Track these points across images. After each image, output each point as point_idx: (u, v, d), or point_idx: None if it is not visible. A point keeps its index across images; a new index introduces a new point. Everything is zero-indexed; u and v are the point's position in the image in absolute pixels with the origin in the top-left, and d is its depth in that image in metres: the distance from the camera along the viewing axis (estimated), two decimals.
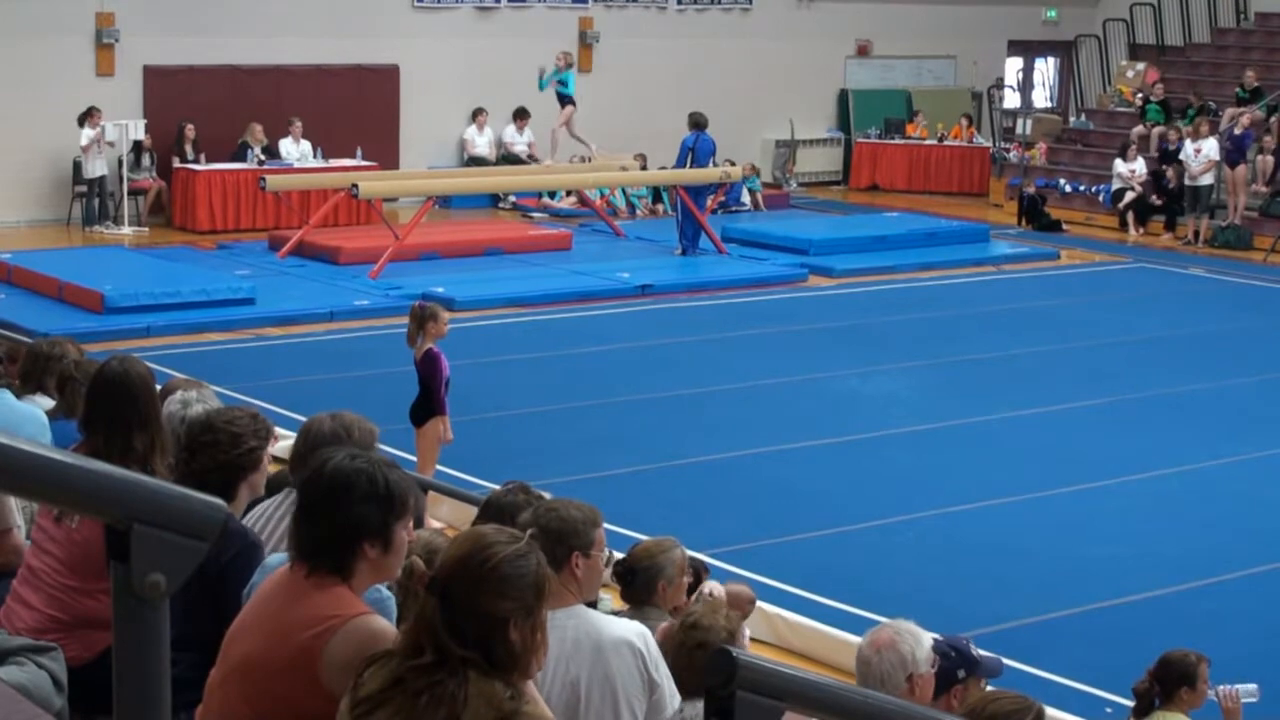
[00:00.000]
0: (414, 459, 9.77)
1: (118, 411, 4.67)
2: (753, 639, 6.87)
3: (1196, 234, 22.58)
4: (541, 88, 22.73)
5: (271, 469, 4.96)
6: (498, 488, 5.15)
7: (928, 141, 27.10)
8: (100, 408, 4.73)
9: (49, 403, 6.30)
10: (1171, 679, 6.08)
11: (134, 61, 21.20)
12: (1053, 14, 29.20)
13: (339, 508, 3.41)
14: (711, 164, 20.47)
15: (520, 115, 24.09)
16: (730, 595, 6.77)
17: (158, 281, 15.91)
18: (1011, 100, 28.61)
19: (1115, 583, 9.29)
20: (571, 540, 4.21)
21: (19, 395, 6.26)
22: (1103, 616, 8.80)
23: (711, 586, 6.37)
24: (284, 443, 10.54)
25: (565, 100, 22.94)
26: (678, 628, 4.65)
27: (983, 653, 4.72)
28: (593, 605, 4.58)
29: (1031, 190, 24.00)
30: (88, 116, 19.92)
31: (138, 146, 20.85)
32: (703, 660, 4.78)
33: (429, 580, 3.06)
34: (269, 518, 4.80)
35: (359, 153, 21.79)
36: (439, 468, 10.04)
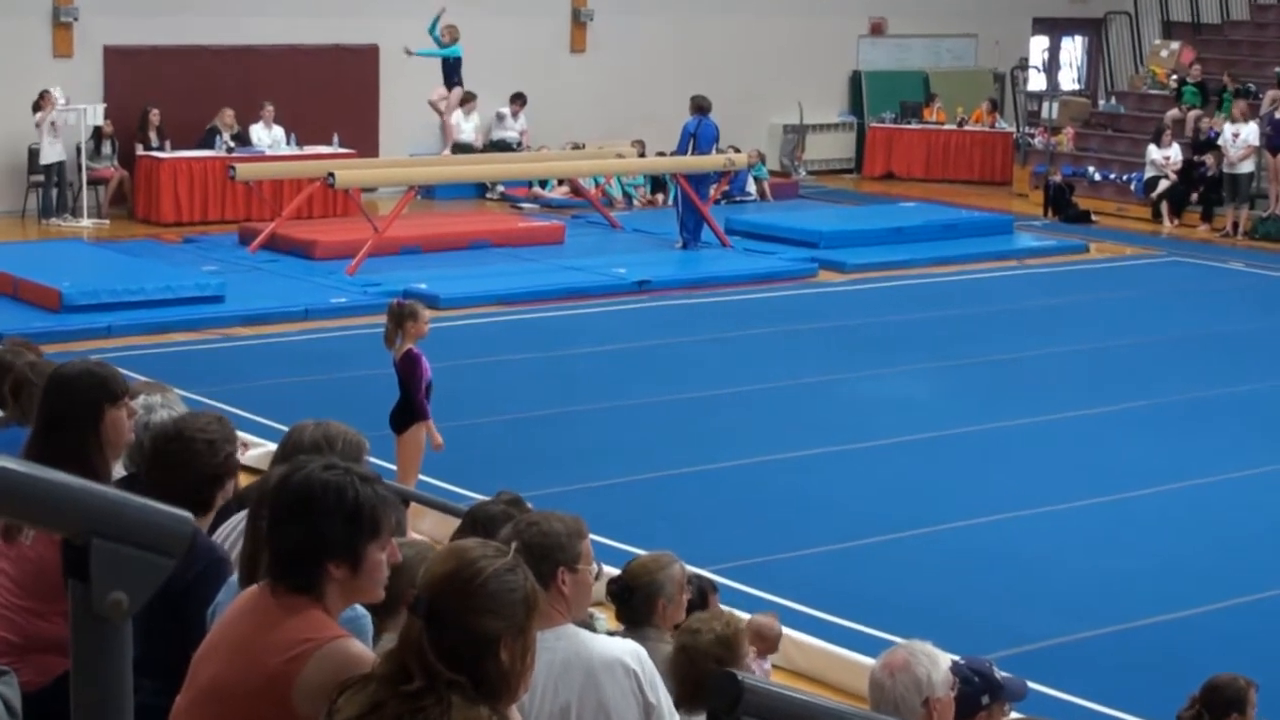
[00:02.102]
0: (394, 468, 9.76)
1: (61, 412, 4.67)
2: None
3: (1235, 225, 22.58)
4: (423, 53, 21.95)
5: (242, 480, 4.96)
6: (485, 499, 5.15)
7: (946, 126, 27.09)
8: (44, 409, 4.73)
9: None
10: (1220, 705, 5.98)
11: (94, 42, 21.19)
12: None
13: (301, 522, 3.39)
14: (714, 151, 20.47)
15: (516, 100, 24.08)
16: (754, 627, 6.76)
17: (119, 278, 15.90)
18: (1036, 82, 28.63)
19: (1150, 599, 9.29)
20: (556, 555, 4.21)
21: None
22: (1137, 636, 8.80)
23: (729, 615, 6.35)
24: (255, 451, 10.59)
25: (452, 75, 22.22)
26: (677, 633, 4.66)
27: (1007, 675, 4.72)
28: (588, 626, 4.58)
29: (1058, 179, 24.01)
30: (41, 100, 19.91)
31: (98, 133, 20.84)
32: (691, 667, 4.79)
33: (413, 600, 3.06)
34: (241, 532, 4.79)
35: (335, 139, 21.79)
36: (422, 477, 10.04)
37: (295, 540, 3.38)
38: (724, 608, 5.96)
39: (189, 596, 4.14)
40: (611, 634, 5.09)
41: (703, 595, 6.08)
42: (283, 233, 18.74)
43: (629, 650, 4.27)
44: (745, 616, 6.45)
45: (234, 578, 4.02)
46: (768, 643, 7.10)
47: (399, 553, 3.52)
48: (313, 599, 3.39)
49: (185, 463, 4.51)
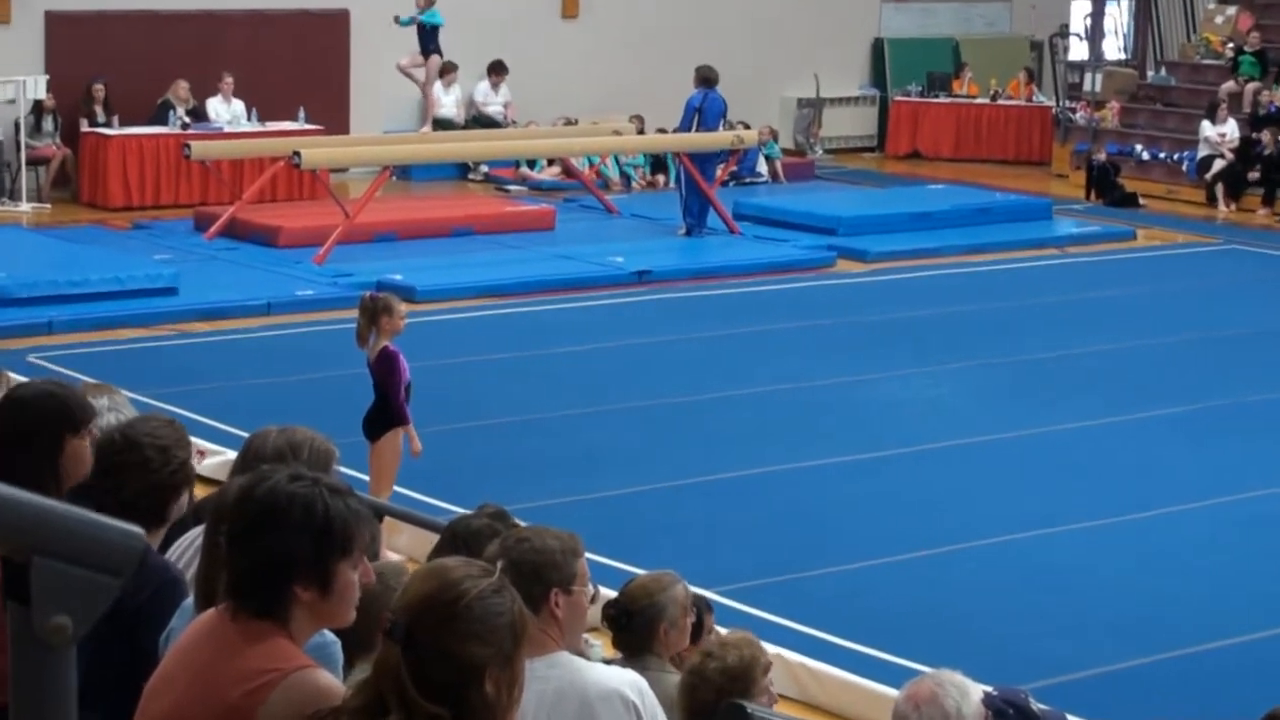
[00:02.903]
0: (367, 479, 9.77)
1: (15, 441, 4.64)
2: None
3: None
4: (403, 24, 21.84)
5: (199, 491, 4.97)
6: (467, 513, 5.16)
7: (978, 100, 27.09)
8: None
9: None
10: None
11: (33, 6, 21.19)
12: None
13: (265, 538, 3.38)
14: (722, 127, 20.47)
15: (495, 70, 24.08)
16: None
17: (62, 268, 15.89)
18: (1078, 51, 28.60)
19: (1202, 624, 9.29)
20: (549, 575, 4.21)
21: None
22: (1188, 664, 8.80)
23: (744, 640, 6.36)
24: (212, 460, 10.59)
25: (429, 43, 22.04)
26: (693, 660, 4.67)
27: (1044, 708, 4.73)
28: (583, 654, 4.58)
29: (1102, 158, 24.01)
30: None
31: (38, 107, 20.83)
32: (699, 697, 4.80)
33: (388, 624, 3.06)
34: (197, 549, 4.79)
35: (302, 114, 21.78)
36: (396, 489, 10.04)
37: (258, 559, 3.38)
38: (743, 631, 5.96)
39: (139, 621, 4.14)
40: (609, 662, 5.10)
41: (698, 614, 6.09)
42: (243, 218, 18.73)
43: (628, 681, 4.28)
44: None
45: (189, 600, 4.02)
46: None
47: (372, 573, 3.52)
48: (277, 624, 3.39)
49: (134, 472, 4.50)
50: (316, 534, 3.37)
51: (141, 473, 4.50)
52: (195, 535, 4.87)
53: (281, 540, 3.36)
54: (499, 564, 3.42)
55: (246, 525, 3.41)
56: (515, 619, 3.09)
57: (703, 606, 6.28)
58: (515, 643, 3.08)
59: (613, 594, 5.41)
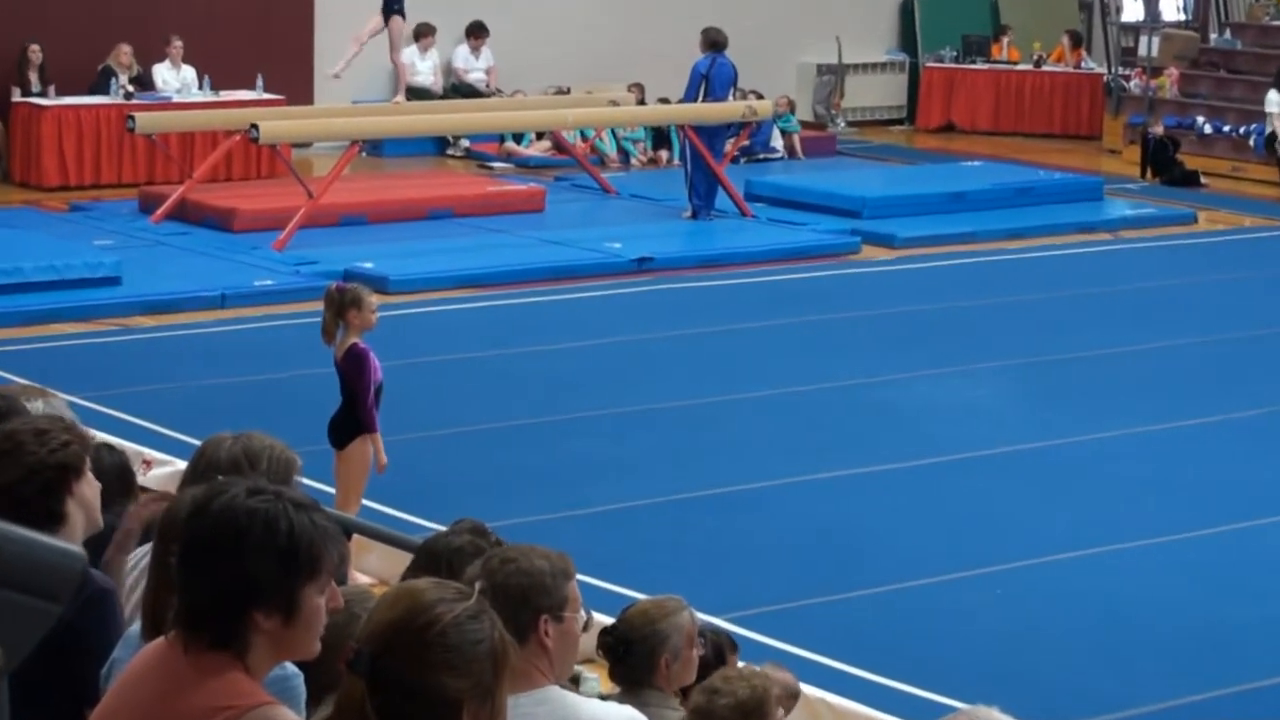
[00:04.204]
0: (333, 492, 9.78)
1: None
2: None
3: None
4: None
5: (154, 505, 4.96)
6: (443, 529, 5.17)
7: (1020, 67, 27.08)
8: None
9: None
10: None
11: None
12: None
13: (221, 560, 3.38)
14: (732, 97, 20.47)
15: (475, 32, 24.07)
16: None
17: None
18: (1132, 11, 28.60)
19: (1273, 655, 9.29)
20: (538, 600, 4.22)
21: None
22: (1259, 700, 8.80)
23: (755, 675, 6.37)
24: (160, 470, 10.58)
25: (392, 3, 21.89)
26: (697, 698, 4.68)
27: None
28: (574, 688, 4.59)
29: (1159, 132, 24.01)
30: None
31: None
32: None
33: (352, 655, 3.06)
34: (144, 570, 4.80)
35: (260, 82, 21.77)
36: (366, 503, 10.05)
37: (214, 584, 3.37)
38: (749, 665, 5.97)
39: (79, 645, 4.15)
40: (604, 698, 5.11)
41: (719, 654, 6.09)
42: (194, 199, 18.72)
43: (626, 717, 4.29)
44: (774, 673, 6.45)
45: (135, 628, 4.02)
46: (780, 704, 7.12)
47: (341, 598, 3.52)
48: (233, 656, 3.39)
49: (7, 459, 4.47)
50: (279, 555, 3.37)
51: (16, 456, 4.47)
52: (143, 554, 4.88)
53: (240, 562, 3.35)
54: (477, 586, 3.41)
55: (200, 545, 3.41)
56: (495, 647, 3.09)
57: (726, 644, 6.26)
58: (496, 674, 3.07)
59: (609, 620, 5.41)
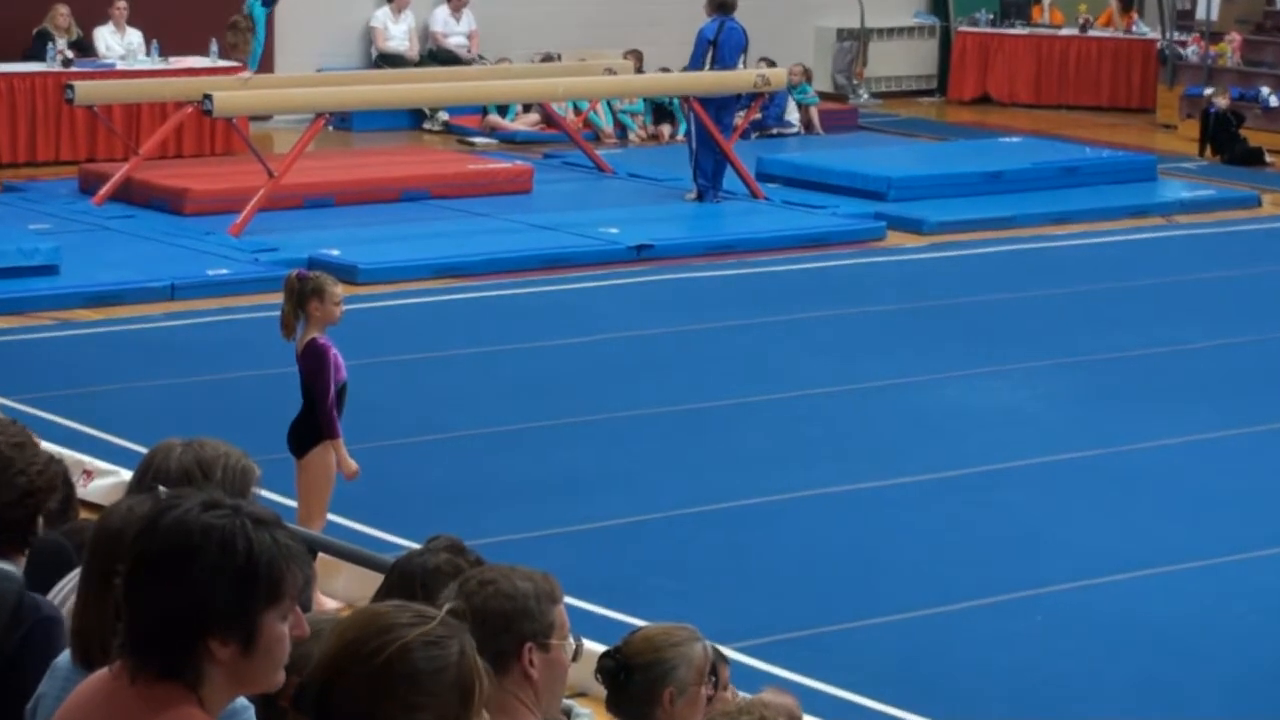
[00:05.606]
0: (295, 505, 9.78)
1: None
2: None
3: None
4: None
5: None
6: (417, 547, 5.17)
7: (1064, 31, 27.10)
8: None
9: None
10: None
11: None
12: None
13: (174, 583, 3.37)
14: (741, 65, 20.47)
15: None
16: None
17: None
18: None
19: None
20: (521, 625, 4.22)
21: None
22: None
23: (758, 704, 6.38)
24: (103, 481, 10.59)
25: None
26: None
27: None
28: None
29: (1222, 104, 24.02)
30: None
31: None
32: None
33: (296, 688, 3.05)
34: (72, 591, 4.79)
35: (214, 48, 21.77)
36: (332, 518, 10.05)
37: (164, 608, 3.37)
38: (747, 696, 5.97)
39: (17, 672, 4.15)
40: None
41: (713, 672, 6.09)
42: (140, 178, 18.73)
43: None
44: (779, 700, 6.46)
45: (63, 658, 4.01)
46: None
47: (306, 625, 3.51)
48: (186, 687, 3.39)
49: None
50: (237, 577, 3.36)
51: (6, 476, 4.48)
52: (70, 577, 4.87)
53: (193, 585, 3.35)
54: (445, 607, 3.38)
55: (149, 565, 3.40)
56: (463, 676, 3.08)
57: (717, 660, 6.28)
58: (464, 706, 3.06)
59: (601, 648, 5.39)
